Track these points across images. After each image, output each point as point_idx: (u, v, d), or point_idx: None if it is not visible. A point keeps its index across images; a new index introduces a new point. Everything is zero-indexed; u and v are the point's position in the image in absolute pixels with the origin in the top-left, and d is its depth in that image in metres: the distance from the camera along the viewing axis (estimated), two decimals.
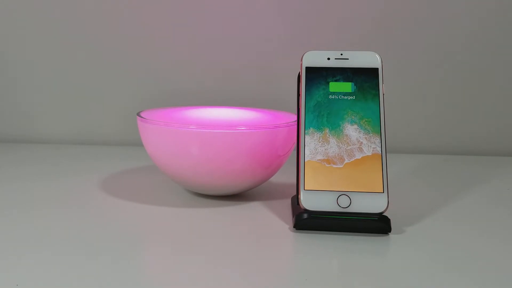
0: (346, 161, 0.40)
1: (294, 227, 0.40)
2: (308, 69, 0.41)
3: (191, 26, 0.73)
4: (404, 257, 0.35)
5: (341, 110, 0.41)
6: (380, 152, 0.40)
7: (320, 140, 0.40)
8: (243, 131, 0.43)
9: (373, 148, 0.40)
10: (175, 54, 0.74)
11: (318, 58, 0.42)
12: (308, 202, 0.39)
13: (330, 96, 0.41)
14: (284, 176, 0.54)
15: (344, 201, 0.39)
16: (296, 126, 0.43)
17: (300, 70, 0.42)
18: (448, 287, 0.31)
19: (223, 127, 0.43)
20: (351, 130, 0.40)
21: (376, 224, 0.39)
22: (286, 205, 0.47)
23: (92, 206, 0.46)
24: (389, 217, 0.39)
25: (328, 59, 0.42)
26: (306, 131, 0.40)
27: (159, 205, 0.46)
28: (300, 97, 0.41)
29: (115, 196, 0.49)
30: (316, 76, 0.41)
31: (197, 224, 0.42)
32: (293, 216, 0.41)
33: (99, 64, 0.74)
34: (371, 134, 0.40)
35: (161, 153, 0.46)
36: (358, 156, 0.40)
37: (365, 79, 0.41)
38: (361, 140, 0.40)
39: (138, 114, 0.48)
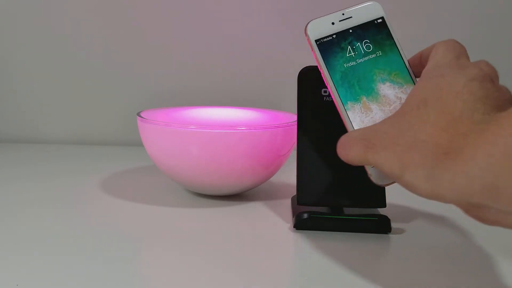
0: None
1: (294, 227, 0.40)
2: (318, 42, 0.39)
3: (191, 26, 0.73)
4: (404, 257, 0.35)
5: (368, 73, 0.39)
6: None
7: (362, 111, 0.38)
8: (243, 131, 0.43)
9: None
10: (175, 54, 0.74)
11: (323, 27, 0.39)
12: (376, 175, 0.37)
13: (352, 63, 0.39)
14: (284, 176, 0.54)
15: None
16: (295, 126, 0.43)
17: (309, 46, 0.40)
18: (448, 287, 0.31)
19: (223, 127, 0.43)
20: (386, 89, 0.38)
21: (376, 224, 0.39)
22: (286, 205, 0.47)
23: (92, 206, 0.46)
24: (389, 217, 0.39)
25: (333, 23, 0.40)
26: (346, 107, 0.38)
27: (159, 205, 0.46)
28: (322, 74, 0.39)
29: (115, 196, 0.49)
30: (329, 46, 0.39)
31: (197, 224, 0.42)
32: (293, 216, 0.41)
33: (99, 64, 0.74)
34: (405, 86, 0.38)
35: (161, 153, 0.46)
36: None
37: (376, 32, 0.40)
38: (399, 95, 0.38)
39: (138, 114, 0.48)
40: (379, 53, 0.39)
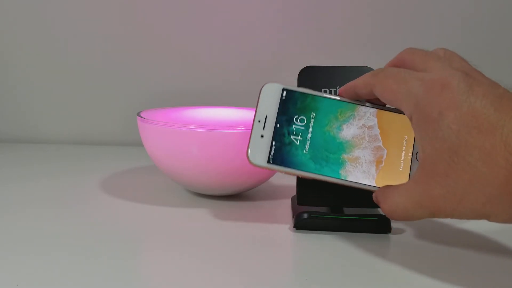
0: (380, 144, 0.38)
1: (294, 227, 0.40)
2: (270, 160, 0.38)
3: (191, 26, 0.73)
4: (404, 257, 0.35)
5: (324, 136, 0.38)
6: (376, 108, 0.38)
7: (354, 165, 0.37)
8: (243, 131, 0.43)
9: (370, 113, 0.38)
10: (176, 54, 0.74)
11: (260, 147, 0.38)
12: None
13: (307, 143, 0.38)
14: (284, 176, 0.54)
15: None
16: None
17: (267, 170, 0.39)
18: (448, 287, 0.31)
19: (223, 127, 0.43)
20: (348, 131, 0.38)
21: (376, 224, 0.39)
22: (286, 205, 0.47)
23: (92, 206, 0.46)
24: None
25: (262, 136, 0.38)
26: (344, 178, 0.37)
27: (159, 205, 0.46)
28: (300, 176, 0.38)
29: (115, 196, 0.49)
30: (280, 153, 0.38)
31: (197, 224, 0.42)
32: (293, 216, 0.41)
33: (99, 64, 0.74)
34: (356, 112, 0.38)
35: (161, 153, 0.46)
36: (377, 131, 0.38)
37: (294, 103, 0.39)
38: (360, 124, 0.38)
39: (138, 114, 0.48)
40: (313, 115, 0.38)
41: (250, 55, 0.73)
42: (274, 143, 0.38)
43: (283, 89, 0.39)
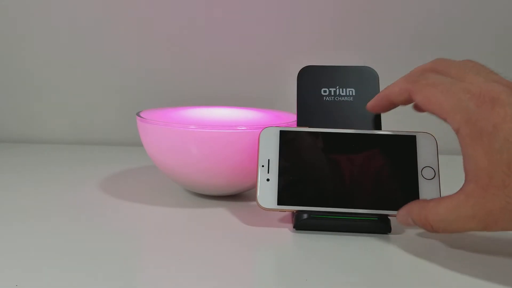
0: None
1: (294, 227, 0.40)
2: (280, 202, 0.39)
3: (191, 26, 0.73)
4: (404, 257, 0.35)
5: (328, 169, 0.39)
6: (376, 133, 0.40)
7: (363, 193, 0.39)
8: (243, 131, 0.43)
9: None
10: (175, 54, 0.74)
11: (268, 193, 0.39)
12: None
13: (311, 182, 0.38)
14: None
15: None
16: (295, 126, 0.43)
17: (284, 212, 0.40)
18: (448, 287, 0.31)
19: (223, 127, 0.43)
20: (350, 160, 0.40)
21: (376, 224, 0.39)
22: None
23: (92, 206, 0.46)
24: (389, 217, 0.39)
25: (268, 180, 0.39)
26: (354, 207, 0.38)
27: (159, 205, 0.46)
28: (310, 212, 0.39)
29: (115, 196, 0.49)
30: (288, 193, 0.39)
31: (196, 224, 0.42)
32: (293, 216, 0.41)
33: (99, 63, 0.74)
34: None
35: (161, 153, 0.46)
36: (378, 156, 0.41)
37: (292, 143, 0.40)
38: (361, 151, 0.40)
39: (138, 114, 0.48)
40: (313, 150, 0.39)
41: (250, 55, 0.73)
42: (280, 185, 0.39)
43: (281, 131, 0.40)
